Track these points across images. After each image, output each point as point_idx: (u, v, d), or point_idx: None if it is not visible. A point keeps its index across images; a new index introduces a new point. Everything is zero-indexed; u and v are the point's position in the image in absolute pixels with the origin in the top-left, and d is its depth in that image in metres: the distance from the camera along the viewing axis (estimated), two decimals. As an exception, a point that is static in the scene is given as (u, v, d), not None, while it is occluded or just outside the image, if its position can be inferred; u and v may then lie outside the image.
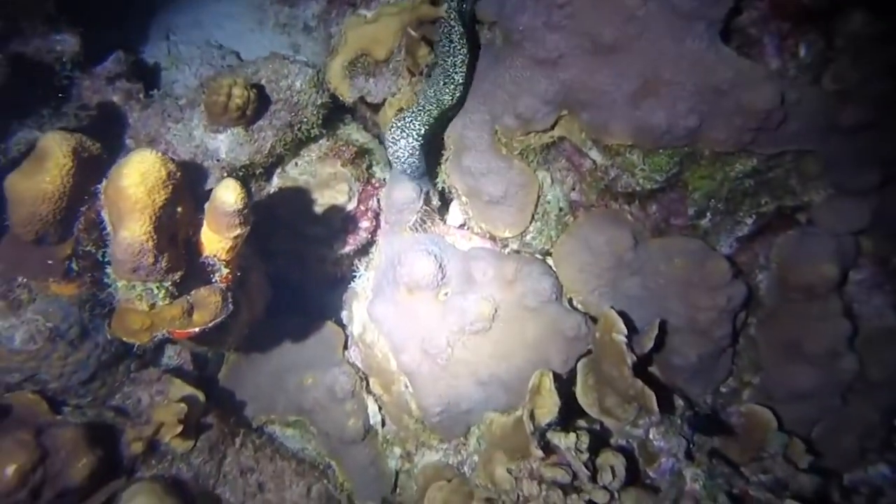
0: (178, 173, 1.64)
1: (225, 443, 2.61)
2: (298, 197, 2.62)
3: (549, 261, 2.50)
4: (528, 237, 2.45)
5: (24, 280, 1.96)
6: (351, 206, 2.64)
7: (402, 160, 2.36)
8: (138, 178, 1.54)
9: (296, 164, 2.62)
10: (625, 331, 2.18)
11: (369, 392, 2.74)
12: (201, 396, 2.49)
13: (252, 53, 3.09)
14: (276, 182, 2.61)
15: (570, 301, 2.46)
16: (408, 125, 2.28)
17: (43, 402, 2.21)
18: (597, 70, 1.96)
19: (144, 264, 1.63)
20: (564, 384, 2.37)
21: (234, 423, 2.68)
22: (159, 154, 1.59)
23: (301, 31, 3.22)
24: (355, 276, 2.94)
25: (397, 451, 2.78)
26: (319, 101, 2.52)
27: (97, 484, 2.25)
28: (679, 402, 2.38)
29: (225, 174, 2.41)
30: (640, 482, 2.30)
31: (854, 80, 1.90)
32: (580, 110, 2.06)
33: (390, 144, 2.35)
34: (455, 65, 2.28)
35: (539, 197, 2.36)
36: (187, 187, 1.75)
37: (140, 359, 2.50)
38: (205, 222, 1.78)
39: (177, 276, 1.75)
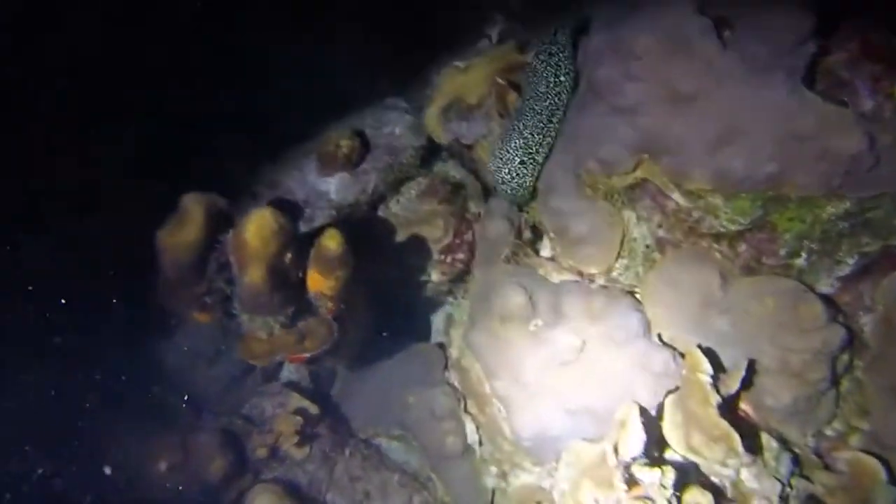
0: (288, 225, 1.92)
1: (336, 452, 2.89)
2: (399, 231, 2.86)
3: (638, 297, 2.53)
4: (615, 273, 2.49)
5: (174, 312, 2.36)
6: (447, 239, 2.84)
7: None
8: (256, 230, 1.84)
9: (397, 201, 2.86)
10: (710, 370, 2.17)
11: (467, 412, 2.89)
12: (315, 409, 2.80)
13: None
14: (379, 217, 2.87)
15: (659, 337, 2.48)
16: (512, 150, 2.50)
17: (186, 410, 2.63)
18: (675, 118, 2.00)
19: (262, 302, 1.93)
20: (652, 419, 2.40)
21: (344, 434, 2.95)
22: (273, 210, 1.88)
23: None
24: (453, 304, 3.14)
25: (493, 469, 2.89)
26: (417, 144, 2.75)
27: (229, 482, 2.62)
28: (773, 444, 2.32)
29: (334, 212, 2.71)
30: (730, 523, 2.27)
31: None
32: (660, 155, 2.10)
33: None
34: (558, 102, 2.45)
35: (624, 235, 2.41)
36: (296, 234, 2.03)
37: (264, 374, 2.86)
38: (311, 265, 2.06)
39: (289, 311, 2.04)
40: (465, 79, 2.57)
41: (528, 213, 2.73)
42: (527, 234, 2.75)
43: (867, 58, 1.79)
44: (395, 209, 2.86)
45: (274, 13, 2.81)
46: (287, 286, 2.03)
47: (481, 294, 2.75)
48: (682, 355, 2.39)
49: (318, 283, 2.09)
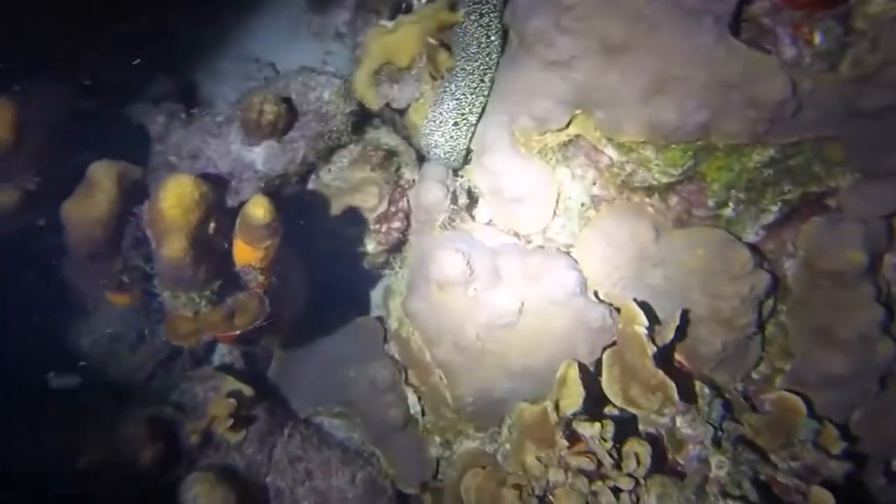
0: (211, 193, 1.80)
1: (274, 434, 2.80)
2: (333, 201, 2.76)
3: (574, 255, 2.55)
4: (551, 233, 2.50)
5: (89, 292, 2.18)
6: (382, 208, 2.77)
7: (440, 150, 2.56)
8: (175, 200, 1.70)
9: (329, 170, 2.76)
10: (645, 322, 2.22)
11: (408, 384, 2.87)
12: (249, 391, 2.69)
13: (288, 63, 3.25)
14: (311, 188, 2.76)
15: (595, 294, 2.51)
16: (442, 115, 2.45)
17: (110, 400, 2.45)
18: (607, 69, 2.00)
19: (185, 277, 1.80)
20: (591, 375, 2.44)
21: (282, 416, 2.86)
22: (193, 177, 1.75)
23: (333, 38, 3.35)
24: (391, 274, 3.08)
25: (437, 439, 2.89)
26: (347, 110, 2.65)
27: (163, 471, 2.49)
28: (706, 391, 2.41)
29: (262, 184, 2.58)
30: (667, 469, 2.34)
31: (875, 64, 1.87)
32: (593, 109, 2.10)
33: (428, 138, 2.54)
34: (489, 62, 2.40)
35: (559, 193, 2.42)
36: (220, 203, 1.90)
37: (194, 357, 2.72)
38: (237, 235, 1.94)
39: (215, 285, 1.92)
40: (393, 39, 2.48)
41: (462, 177, 2.69)
42: (462, 199, 2.71)
43: (787, 4, 1.83)
44: (326, 179, 2.75)
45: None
46: (212, 258, 1.90)
47: (418, 262, 2.71)
48: (619, 310, 2.44)
49: (246, 254, 1.97)
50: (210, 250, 1.88)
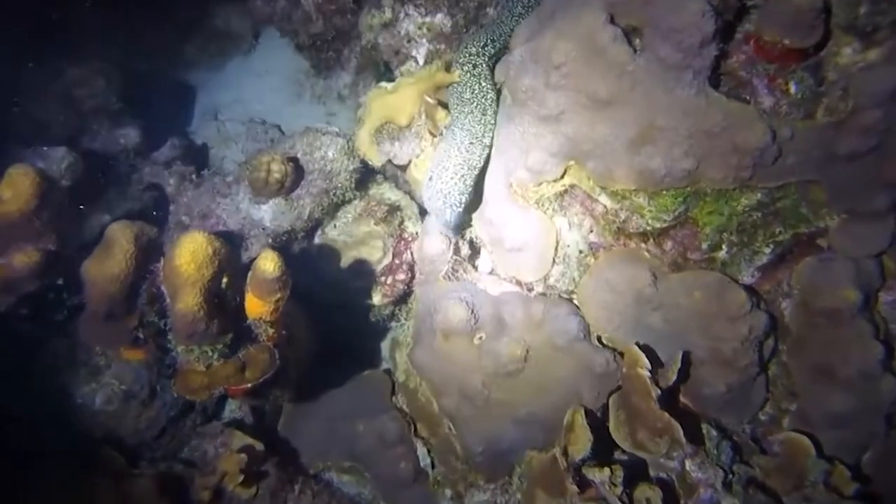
0: (223, 249, 1.88)
1: (285, 489, 2.79)
2: (338, 255, 2.84)
3: (575, 301, 2.60)
4: (552, 280, 2.56)
5: (101, 350, 2.24)
6: (387, 261, 2.85)
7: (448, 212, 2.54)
8: (189, 256, 1.78)
9: (334, 225, 2.86)
10: (648, 365, 2.25)
11: (417, 436, 2.86)
12: (259, 446, 2.70)
13: (293, 124, 3.41)
14: (317, 243, 2.85)
15: (598, 339, 2.55)
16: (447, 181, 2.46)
17: (121, 458, 2.47)
18: (596, 122, 2.11)
19: (199, 330, 1.86)
20: (598, 420, 2.45)
21: (292, 471, 2.86)
22: (206, 234, 1.84)
23: (335, 100, 3.52)
24: (397, 326, 3.13)
25: (448, 492, 2.86)
26: (351, 167, 2.77)
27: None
28: (713, 433, 2.41)
29: (270, 240, 2.67)
30: (680, 514, 2.33)
31: (847, 111, 1.97)
32: (585, 160, 2.20)
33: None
34: (486, 117, 2.47)
35: (558, 242, 2.49)
36: (232, 259, 1.99)
37: (204, 414, 2.75)
38: (248, 290, 2.01)
39: (227, 338, 1.98)
40: (393, 99, 2.62)
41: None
42: (465, 250, 2.79)
43: (762, 57, 1.95)
44: (331, 234, 2.85)
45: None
46: (224, 312, 1.97)
47: (423, 313, 2.76)
48: (622, 354, 2.47)
49: (257, 307, 2.04)
50: (223, 304, 1.95)
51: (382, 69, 2.94)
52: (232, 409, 2.93)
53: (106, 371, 2.29)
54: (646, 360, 2.26)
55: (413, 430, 2.88)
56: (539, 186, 2.36)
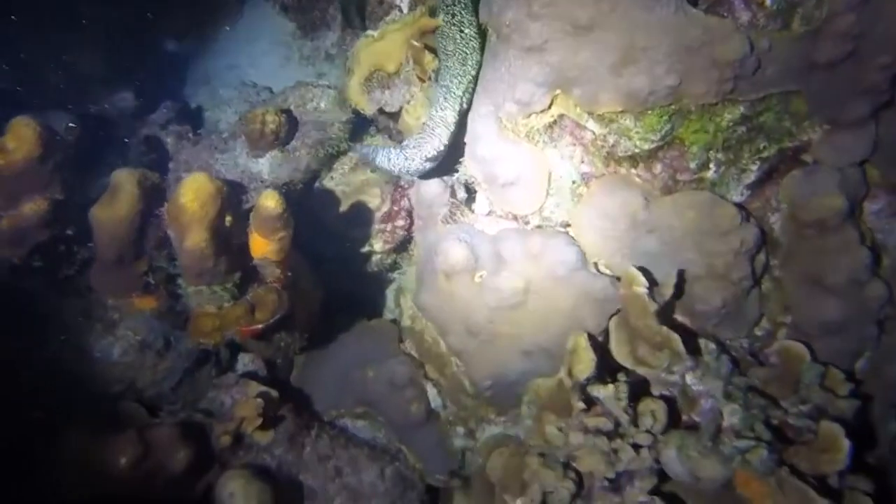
0: (225, 188, 1.95)
1: (302, 435, 2.87)
2: (338, 204, 2.91)
3: (571, 231, 2.67)
4: (547, 212, 2.62)
5: (115, 303, 2.32)
6: (385, 208, 2.91)
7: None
8: (193, 194, 1.85)
9: (331, 177, 2.92)
10: (645, 283, 2.32)
11: (427, 377, 2.94)
12: (275, 393, 2.78)
13: (283, 87, 3.45)
14: (316, 193, 2.92)
15: (595, 266, 2.61)
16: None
17: (141, 408, 2.56)
18: (579, 49, 2.16)
19: (207, 268, 1.93)
20: (601, 345, 2.52)
21: (308, 418, 2.94)
22: (208, 174, 1.90)
23: (324, 60, 3.56)
24: (400, 274, 3.20)
25: (460, 430, 2.94)
26: (344, 118, 2.82)
27: (197, 474, 2.57)
28: (711, 346, 2.49)
29: (270, 191, 2.73)
30: (683, 426, 2.41)
31: (822, 18, 2.02)
32: (571, 87, 2.25)
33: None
34: (468, 60, 2.51)
35: (550, 173, 2.55)
36: (235, 202, 2.05)
37: (219, 366, 2.83)
38: (252, 229, 2.08)
39: (235, 277, 2.05)
40: (380, 47, 2.66)
41: (458, 171, 2.83)
42: (461, 193, 2.85)
43: (738, -29, 2.00)
44: (329, 185, 2.91)
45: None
46: (230, 251, 2.04)
47: (425, 256, 2.83)
48: (619, 279, 2.54)
49: (262, 246, 2.11)
50: (228, 243, 2.03)
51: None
52: (245, 363, 3.01)
53: (120, 324, 2.37)
54: (642, 279, 2.33)
55: (422, 372, 2.95)
56: (528, 118, 2.42)
